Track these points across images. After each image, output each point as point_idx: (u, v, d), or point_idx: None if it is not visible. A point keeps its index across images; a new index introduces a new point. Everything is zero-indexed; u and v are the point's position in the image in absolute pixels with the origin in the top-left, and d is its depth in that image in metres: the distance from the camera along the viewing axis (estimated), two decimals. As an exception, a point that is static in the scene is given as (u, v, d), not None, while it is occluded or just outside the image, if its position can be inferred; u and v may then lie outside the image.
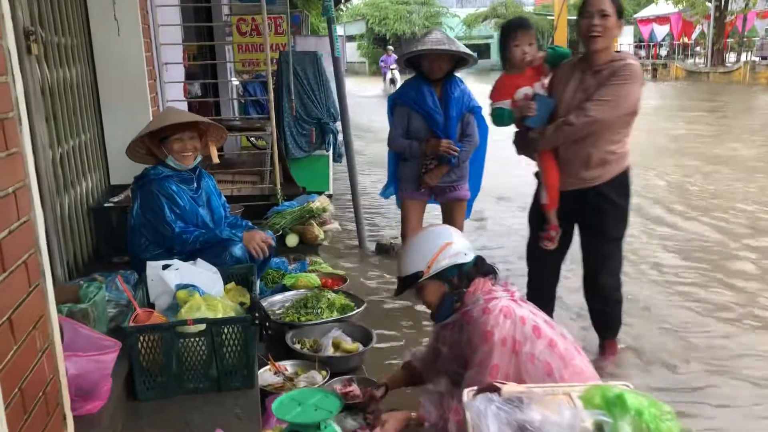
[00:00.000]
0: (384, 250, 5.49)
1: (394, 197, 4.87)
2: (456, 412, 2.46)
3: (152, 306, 2.97)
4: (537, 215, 3.53)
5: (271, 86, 5.68)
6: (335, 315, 3.63)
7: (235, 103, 9.35)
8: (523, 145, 3.47)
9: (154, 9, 5.06)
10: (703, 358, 3.63)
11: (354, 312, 3.68)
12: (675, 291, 4.66)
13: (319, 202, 5.15)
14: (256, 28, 10.31)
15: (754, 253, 5.46)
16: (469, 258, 2.64)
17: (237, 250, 3.44)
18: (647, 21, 36.52)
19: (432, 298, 2.64)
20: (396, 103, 4.46)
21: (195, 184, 3.63)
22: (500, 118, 3.42)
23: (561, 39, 35.19)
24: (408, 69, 4.44)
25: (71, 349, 2.13)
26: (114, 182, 4.57)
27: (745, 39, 31.04)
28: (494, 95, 3.42)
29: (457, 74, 4.39)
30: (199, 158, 3.61)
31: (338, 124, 7.29)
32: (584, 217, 3.43)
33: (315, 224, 5.03)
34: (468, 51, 4.17)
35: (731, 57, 30.61)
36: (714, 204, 7.16)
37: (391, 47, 28.01)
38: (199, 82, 9.05)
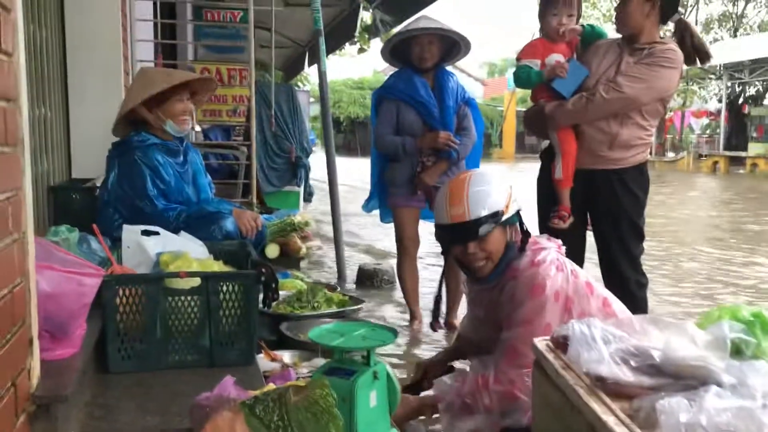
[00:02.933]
0: (366, 275, 5.04)
1: (377, 212, 4.39)
2: (497, 381, 2.06)
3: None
4: (546, 198, 3.21)
5: (253, 106, 5.30)
6: (334, 309, 3.15)
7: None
8: (538, 119, 3.18)
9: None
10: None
11: (354, 307, 3.22)
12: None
13: (300, 216, 4.71)
14: (220, 78, 10.05)
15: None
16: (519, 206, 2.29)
17: (228, 224, 2.96)
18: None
19: (497, 247, 2.22)
20: (382, 98, 3.96)
21: (182, 158, 3.17)
22: (527, 76, 3.13)
23: (510, 129, 36.57)
24: (395, 62, 4.02)
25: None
26: (76, 175, 4.04)
27: (683, 136, 32.71)
28: (524, 53, 3.16)
29: None
30: (190, 125, 3.18)
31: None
32: (599, 203, 3.11)
33: (297, 237, 4.57)
34: (461, 33, 3.79)
35: (669, 154, 32.04)
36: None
37: None
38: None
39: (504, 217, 2.19)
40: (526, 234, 2.28)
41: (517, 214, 2.27)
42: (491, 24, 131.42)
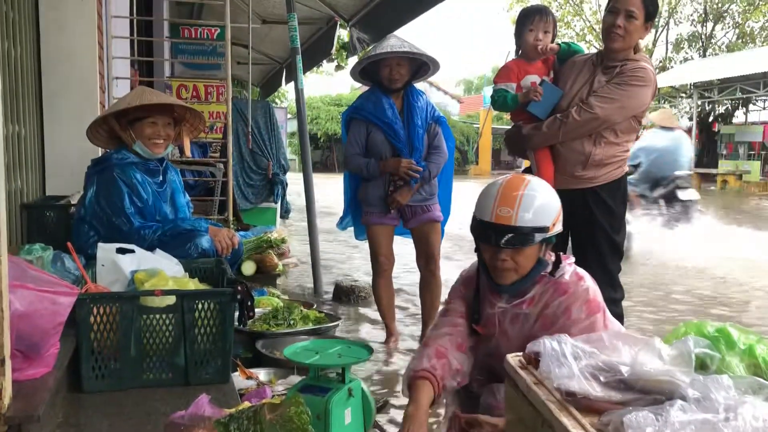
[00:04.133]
0: (343, 292, 5.05)
1: (351, 230, 4.41)
2: None
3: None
4: None
5: (230, 119, 5.29)
6: (310, 326, 3.16)
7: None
8: (517, 140, 3.23)
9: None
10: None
11: (330, 324, 3.22)
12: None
13: (276, 233, 4.72)
14: (197, 95, 10.04)
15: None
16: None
17: (204, 242, 2.95)
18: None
19: (529, 261, 2.13)
20: (351, 117, 3.96)
21: (161, 177, 3.16)
22: (503, 100, 3.18)
23: (485, 145, 36.87)
24: (364, 81, 4.08)
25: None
26: (50, 192, 4.01)
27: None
28: (500, 76, 3.21)
29: None
30: (169, 149, 3.18)
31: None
32: (577, 221, 3.17)
33: (273, 254, 4.58)
34: (430, 55, 3.84)
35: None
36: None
37: None
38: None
39: (548, 234, 2.09)
40: (557, 257, 2.19)
41: (557, 234, 2.17)
42: (467, 42, 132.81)
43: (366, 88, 4.10)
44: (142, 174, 3.05)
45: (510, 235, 2.04)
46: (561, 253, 2.23)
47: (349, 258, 7.15)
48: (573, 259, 2.26)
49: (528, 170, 3.28)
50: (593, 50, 3.19)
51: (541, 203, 2.09)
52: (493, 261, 2.14)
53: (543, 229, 2.07)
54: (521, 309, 2.19)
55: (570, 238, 3.25)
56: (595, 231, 3.14)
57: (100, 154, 3.37)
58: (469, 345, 2.28)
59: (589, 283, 2.16)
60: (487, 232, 2.10)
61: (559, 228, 2.15)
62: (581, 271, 2.20)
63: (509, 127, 3.48)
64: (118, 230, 2.94)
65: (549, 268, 2.17)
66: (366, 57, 3.95)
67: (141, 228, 2.95)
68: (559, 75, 3.21)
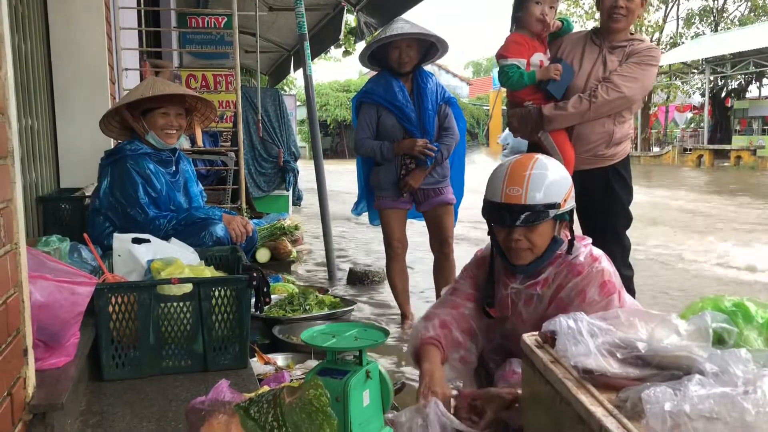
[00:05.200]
0: (357, 277, 5.06)
1: (366, 215, 4.42)
2: None
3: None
4: None
5: (240, 107, 5.29)
6: (325, 311, 3.17)
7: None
8: (529, 122, 3.16)
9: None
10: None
11: (346, 309, 3.24)
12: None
13: (290, 220, 4.74)
14: (206, 84, 10.05)
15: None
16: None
17: (218, 230, 2.97)
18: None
19: (543, 239, 2.12)
20: (362, 102, 3.94)
21: (173, 167, 3.18)
22: (519, 77, 3.08)
23: (496, 127, 36.69)
24: (372, 66, 4.03)
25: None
26: (64, 185, 4.04)
27: (668, 131, 33.00)
28: (511, 51, 3.11)
29: None
30: (182, 139, 3.19)
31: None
32: (597, 198, 3.16)
33: (287, 241, 4.60)
34: (438, 35, 3.80)
35: (654, 149, 32.31)
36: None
37: None
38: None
39: (560, 211, 2.08)
40: (572, 233, 2.19)
41: (570, 212, 2.17)
42: (475, 24, 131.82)
43: (374, 74, 4.09)
44: (155, 164, 3.07)
45: (521, 213, 2.04)
46: (577, 234, 2.23)
47: (364, 244, 7.17)
48: (589, 240, 2.25)
49: (531, 149, 3.26)
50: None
51: (550, 180, 2.08)
52: (507, 242, 2.13)
53: (554, 206, 2.06)
54: (535, 290, 2.19)
55: (580, 223, 3.24)
56: (613, 206, 3.18)
57: (112, 146, 3.39)
58: (477, 326, 2.30)
59: (605, 263, 2.14)
60: (499, 212, 2.10)
61: (571, 204, 2.14)
62: (597, 251, 2.18)
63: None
64: (133, 221, 2.97)
65: (565, 247, 2.17)
66: (374, 41, 3.93)
67: (156, 218, 2.98)
68: (555, 53, 3.19)
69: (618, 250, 3.13)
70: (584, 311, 1.96)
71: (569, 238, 2.18)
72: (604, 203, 3.18)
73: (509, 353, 2.27)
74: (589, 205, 3.18)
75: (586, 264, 2.12)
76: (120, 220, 3.00)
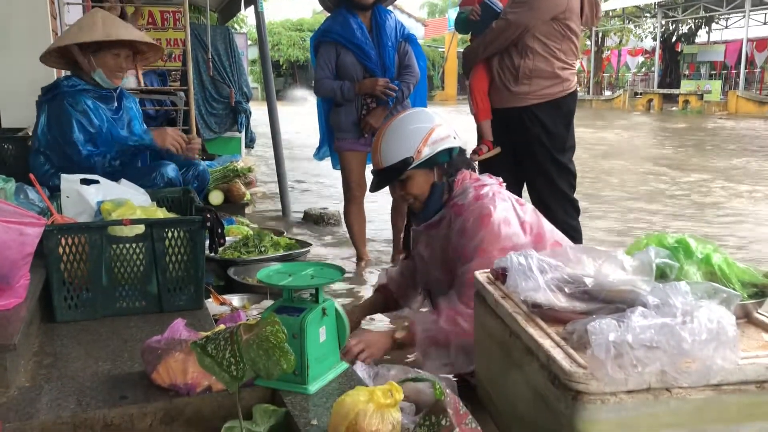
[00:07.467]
0: (312, 219, 5.07)
1: (329, 161, 4.39)
2: (466, 308, 2.08)
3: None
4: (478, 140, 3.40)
5: (189, 45, 5.11)
6: (281, 253, 3.18)
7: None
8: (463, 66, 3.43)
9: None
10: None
11: (302, 250, 3.25)
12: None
13: (242, 162, 4.68)
14: (153, 22, 9.66)
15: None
16: (458, 142, 2.35)
17: (170, 171, 2.93)
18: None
19: (420, 189, 2.33)
20: (320, 41, 3.85)
21: (115, 104, 3.09)
22: (463, 23, 3.34)
23: (451, 70, 36.48)
24: (330, 2, 3.93)
25: (-19, 215, 1.60)
26: (6, 124, 3.89)
27: (619, 74, 33.37)
28: (463, 2, 3.29)
29: None
30: (129, 79, 3.10)
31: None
32: (515, 140, 3.25)
33: (240, 183, 4.55)
34: None
35: (606, 92, 32.70)
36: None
37: None
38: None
39: (416, 162, 2.27)
40: (453, 170, 2.34)
41: (448, 152, 2.32)
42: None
43: (326, 12, 3.99)
44: (94, 101, 2.98)
45: (380, 176, 2.34)
46: (476, 175, 2.40)
47: (319, 188, 7.14)
48: (493, 181, 2.34)
49: None
50: None
51: (399, 138, 2.29)
52: (395, 198, 2.46)
53: (407, 160, 2.26)
54: (431, 232, 2.40)
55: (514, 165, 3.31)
56: (534, 150, 3.21)
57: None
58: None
59: (491, 201, 2.22)
60: (374, 178, 2.41)
61: (427, 151, 2.27)
62: (489, 191, 2.27)
63: None
64: (69, 159, 2.89)
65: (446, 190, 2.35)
66: None
67: (90, 156, 2.90)
68: None
69: (553, 195, 3.19)
70: (467, 246, 2.17)
71: (449, 180, 2.34)
72: (524, 147, 3.23)
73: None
74: (511, 146, 3.26)
75: (468, 204, 2.24)
76: (59, 160, 2.93)
